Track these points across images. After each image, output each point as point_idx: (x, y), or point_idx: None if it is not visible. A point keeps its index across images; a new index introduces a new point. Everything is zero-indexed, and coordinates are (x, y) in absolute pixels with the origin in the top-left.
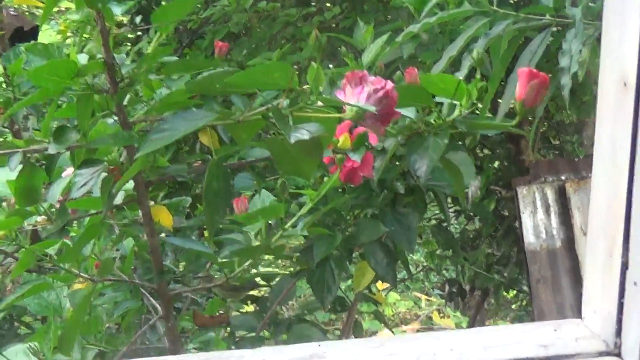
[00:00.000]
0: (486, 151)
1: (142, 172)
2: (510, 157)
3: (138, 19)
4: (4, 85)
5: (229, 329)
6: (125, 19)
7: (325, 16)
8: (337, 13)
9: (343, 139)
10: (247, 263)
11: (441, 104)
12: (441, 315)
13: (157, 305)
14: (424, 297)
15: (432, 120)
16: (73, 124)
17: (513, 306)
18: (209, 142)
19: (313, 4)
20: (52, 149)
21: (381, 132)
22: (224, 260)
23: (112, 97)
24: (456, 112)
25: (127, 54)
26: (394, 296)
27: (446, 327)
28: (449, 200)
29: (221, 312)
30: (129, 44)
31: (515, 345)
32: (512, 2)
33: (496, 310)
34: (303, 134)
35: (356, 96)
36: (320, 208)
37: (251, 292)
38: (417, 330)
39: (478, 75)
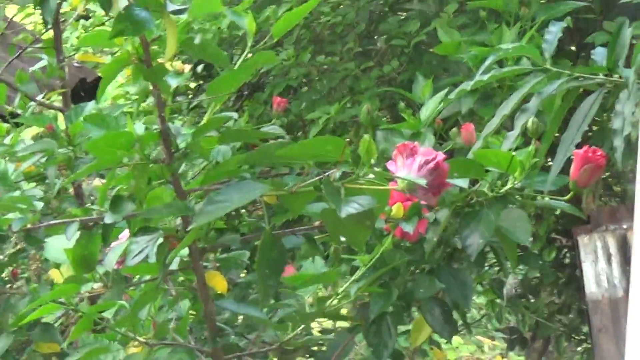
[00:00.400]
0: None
1: (197, 240)
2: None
3: (200, 68)
4: (65, 143)
5: None
6: (187, 68)
7: (384, 70)
8: (396, 67)
9: (396, 209)
10: (300, 327)
11: (493, 174)
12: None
13: None
14: (487, 340)
15: (484, 190)
16: None
17: (579, 348)
18: (270, 200)
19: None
20: (108, 219)
21: (432, 202)
22: (278, 324)
23: (167, 166)
24: (509, 184)
25: (189, 106)
26: (456, 340)
27: None
28: None
29: None
30: (190, 92)
31: None
32: (571, 49)
33: (558, 358)
34: (355, 207)
35: (407, 167)
36: (375, 272)
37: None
38: None
39: (531, 147)
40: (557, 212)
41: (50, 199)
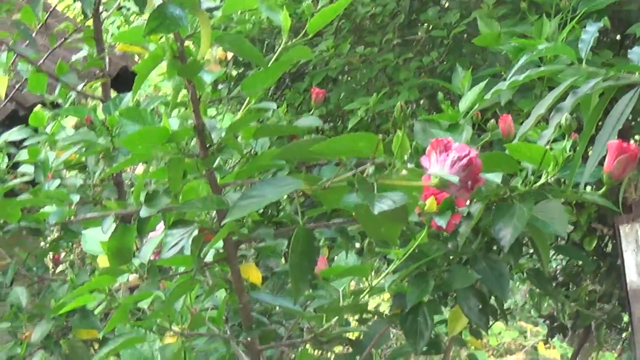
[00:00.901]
0: (588, 188)
1: (231, 233)
2: (612, 195)
3: None
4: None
5: None
6: (229, 55)
7: (423, 61)
8: (435, 57)
9: (429, 203)
10: (334, 319)
11: (527, 168)
12: (547, 346)
13: (246, 357)
14: (529, 326)
15: (518, 185)
16: None
17: (619, 336)
18: (309, 191)
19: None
20: (143, 213)
21: (466, 198)
22: (312, 315)
23: (202, 160)
24: (543, 179)
25: (229, 94)
26: (499, 326)
27: (551, 359)
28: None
29: None
30: (232, 82)
31: None
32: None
33: (598, 347)
34: (388, 204)
35: (441, 163)
36: (410, 263)
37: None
38: None
39: (565, 143)
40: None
41: (90, 187)
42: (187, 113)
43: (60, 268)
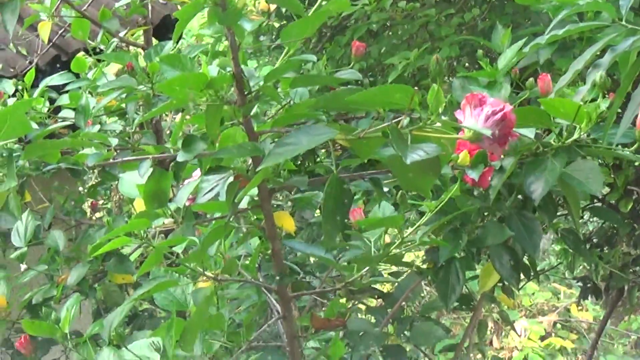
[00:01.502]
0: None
1: (266, 180)
2: None
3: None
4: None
5: None
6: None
7: (465, 17)
8: (477, 15)
9: (463, 156)
10: (365, 269)
11: (561, 124)
12: (579, 308)
13: (278, 305)
14: (563, 288)
15: (551, 141)
16: None
17: None
18: (345, 142)
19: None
20: (180, 157)
21: (498, 152)
22: (344, 265)
23: (239, 108)
24: (576, 135)
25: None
26: (532, 287)
27: (584, 320)
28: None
29: (340, 313)
30: (273, 34)
31: None
32: None
33: (630, 310)
34: (420, 154)
35: (475, 117)
36: (441, 217)
37: (379, 287)
38: (554, 323)
39: (600, 100)
40: (637, 164)
41: (129, 134)
42: (226, 60)
43: (97, 215)
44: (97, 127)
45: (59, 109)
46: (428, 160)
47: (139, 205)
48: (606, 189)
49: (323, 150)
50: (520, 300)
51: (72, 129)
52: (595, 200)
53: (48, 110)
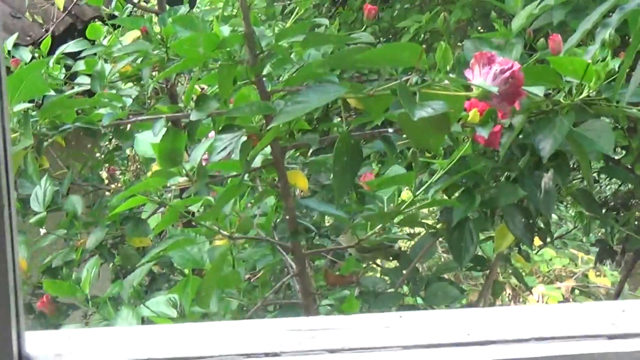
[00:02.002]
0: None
1: (279, 139)
2: None
3: None
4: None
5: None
6: None
7: None
8: None
9: (472, 114)
10: (378, 227)
11: (570, 82)
12: (597, 274)
13: (293, 263)
14: (581, 254)
15: (560, 99)
16: None
17: None
18: (357, 104)
19: None
20: (193, 116)
21: (507, 110)
22: (357, 223)
23: (251, 67)
24: (585, 93)
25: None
26: (549, 252)
27: (601, 286)
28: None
29: (354, 272)
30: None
31: (587, 322)
32: None
33: None
34: (427, 111)
35: (483, 76)
36: (453, 176)
37: (394, 248)
38: (572, 288)
39: (609, 58)
40: None
41: (145, 98)
42: (237, 21)
43: (115, 186)
44: (113, 92)
45: (74, 75)
46: (437, 117)
47: None
48: (622, 152)
49: (338, 119)
50: (538, 267)
51: (88, 95)
52: (610, 163)
53: (64, 77)
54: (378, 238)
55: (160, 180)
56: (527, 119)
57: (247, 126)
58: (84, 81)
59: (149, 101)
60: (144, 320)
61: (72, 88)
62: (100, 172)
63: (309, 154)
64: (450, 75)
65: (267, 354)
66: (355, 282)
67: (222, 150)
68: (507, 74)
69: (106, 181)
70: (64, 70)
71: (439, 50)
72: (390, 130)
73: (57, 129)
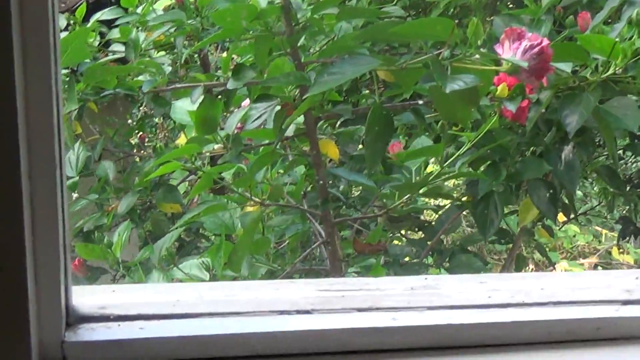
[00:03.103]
0: None
1: (312, 109)
2: None
3: None
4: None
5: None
6: None
7: None
8: None
9: (501, 88)
10: (406, 197)
11: (597, 59)
12: (620, 251)
13: (322, 231)
14: (604, 231)
15: (587, 76)
16: None
17: None
18: (386, 77)
19: None
20: (230, 85)
21: (535, 85)
22: (385, 192)
23: (287, 38)
24: (611, 70)
25: None
26: (573, 229)
27: (624, 263)
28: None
29: (380, 241)
30: None
31: (603, 289)
32: None
33: None
34: (459, 84)
35: (513, 51)
36: (480, 149)
37: (420, 219)
38: (595, 265)
39: (635, 37)
40: None
41: (177, 67)
42: None
43: (144, 153)
44: (147, 60)
45: (109, 43)
46: (467, 90)
47: (185, 141)
48: None
49: (367, 92)
50: (561, 243)
51: (122, 63)
52: (636, 140)
53: (99, 44)
54: (405, 208)
55: (196, 147)
56: (554, 95)
57: (281, 96)
58: (118, 49)
59: (183, 69)
60: None
61: (107, 55)
62: (131, 139)
63: (337, 125)
64: (481, 50)
65: (298, 312)
66: (382, 250)
67: (257, 118)
68: (537, 49)
69: (137, 147)
70: (98, 37)
71: (471, 25)
72: (420, 102)
73: (99, 94)
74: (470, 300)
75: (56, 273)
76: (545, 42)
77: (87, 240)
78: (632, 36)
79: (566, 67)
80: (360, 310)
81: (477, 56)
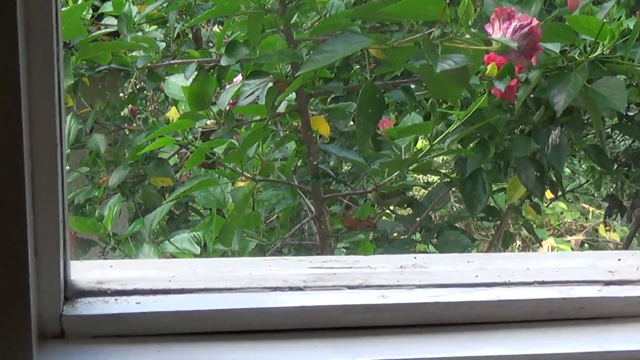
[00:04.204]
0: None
1: (304, 86)
2: None
3: None
4: None
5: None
6: None
7: None
8: None
9: (490, 68)
10: (395, 174)
11: (585, 40)
12: (607, 228)
13: (312, 206)
14: (592, 208)
15: (575, 56)
16: None
17: None
18: (378, 54)
19: None
20: (224, 61)
21: (524, 64)
22: (376, 169)
23: (280, 16)
24: (599, 51)
25: None
26: (560, 206)
27: (611, 240)
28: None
29: (369, 217)
30: None
31: (587, 269)
32: None
33: None
34: (449, 64)
35: (503, 31)
36: (469, 127)
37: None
38: (582, 242)
39: (623, 18)
40: None
41: (170, 42)
42: None
43: (135, 125)
44: (139, 34)
45: (102, 16)
46: (457, 70)
47: (174, 114)
48: (636, 109)
49: (357, 67)
50: (549, 219)
51: (115, 37)
52: (624, 120)
53: (91, 18)
54: (394, 185)
55: (189, 122)
56: (543, 74)
57: (273, 72)
58: (110, 22)
59: (173, 44)
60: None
61: (99, 29)
62: (122, 112)
63: (329, 101)
64: (471, 29)
65: (291, 288)
66: (371, 226)
67: (249, 95)
68: (526, 29)
69: (127, 121)
70: (91, 11)
71: (462, 5)
72: (411, 81)
73: (93, 69)
74: (458, 279)
75: (56, 248)
76: (535, 22)
77: (78, 213)
78: (620, 17)
79: (554, 47)
80: (350, 287)
81: (468, 36)
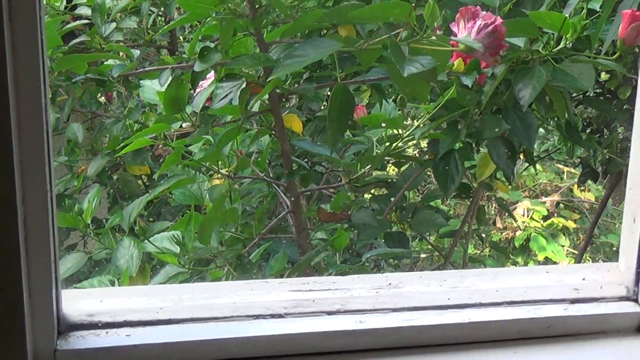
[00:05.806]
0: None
1: (276, 87)
2: None
3: None
4: None
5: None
6: None
7: None
8: None
9: (457, 64)
10: (367, 167)
11: (548, 34)
12: (582, 188)
13: (287, 200)
14: (567, 169)
15: (539, 49)
16: None
17: None
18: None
19: None
20: (197, 67)
21: (490, 62)
22: (349, 163)
23: (251, 21)
24: (562, 44)
25: None
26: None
27: (586, 200)
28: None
29: (343, 210)
30: None
31: (553, 287)
32: None
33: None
34: (416, 67)
35: (468, 30)
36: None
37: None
38: (557, 203)
39: (584, 12)
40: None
41: (143, 30)
42: None
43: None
44: (113, 24)
45: (76, 6)
46: (424, 72)
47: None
48: (606, 76)
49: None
50: (524, 181)
51: (90, 27)
52: (595, 87)
53: (65, 8)
54: (367, 178)
55: (165, 125)
56: (509, 68)
57: (246, 74)
58: (84, 12)
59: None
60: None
61: (74, 19)
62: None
63: (302, 81)
64: (437, 32)
65: (272, 316)
66: (346, 218)
67: (223, 97)
68: (490, 27)
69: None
70: (64, 1)
71: (427, 7)
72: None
73: (70, 79)
74: (431, 302)
75: (49, 286)
76: (499, 20)
77: (58, 206)
78: (582, 10)
79: (520, 41)
80: (329, 313)
81: (434, 38)
